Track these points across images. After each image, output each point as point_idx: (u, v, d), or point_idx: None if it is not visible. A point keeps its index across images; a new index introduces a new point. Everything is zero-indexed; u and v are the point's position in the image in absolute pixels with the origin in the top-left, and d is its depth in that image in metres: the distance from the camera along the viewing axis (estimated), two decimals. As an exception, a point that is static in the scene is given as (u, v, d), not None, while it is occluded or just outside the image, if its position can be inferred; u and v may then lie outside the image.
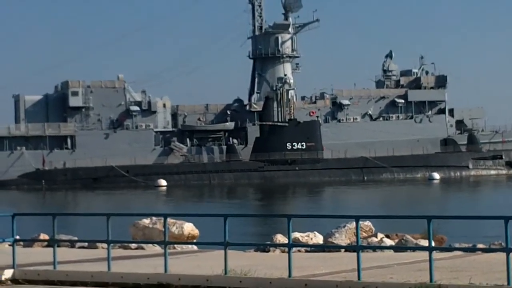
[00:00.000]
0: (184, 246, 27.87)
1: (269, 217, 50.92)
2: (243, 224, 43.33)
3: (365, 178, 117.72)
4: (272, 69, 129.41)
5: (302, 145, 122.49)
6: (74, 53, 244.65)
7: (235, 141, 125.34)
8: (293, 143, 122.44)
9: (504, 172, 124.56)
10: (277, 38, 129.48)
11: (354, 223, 24.54)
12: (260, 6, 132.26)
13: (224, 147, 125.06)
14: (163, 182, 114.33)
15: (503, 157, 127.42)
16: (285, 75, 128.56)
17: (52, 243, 24.66)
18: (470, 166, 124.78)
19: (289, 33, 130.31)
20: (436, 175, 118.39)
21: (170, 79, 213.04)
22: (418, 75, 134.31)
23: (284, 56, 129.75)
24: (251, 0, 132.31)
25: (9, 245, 24.58)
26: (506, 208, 58.18)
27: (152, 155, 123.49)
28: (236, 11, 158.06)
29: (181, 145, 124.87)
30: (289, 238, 22.12)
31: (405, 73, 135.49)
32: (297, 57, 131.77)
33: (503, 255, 19.18)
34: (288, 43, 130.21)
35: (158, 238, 26.87)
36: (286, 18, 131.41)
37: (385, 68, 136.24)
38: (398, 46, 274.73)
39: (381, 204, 73.71)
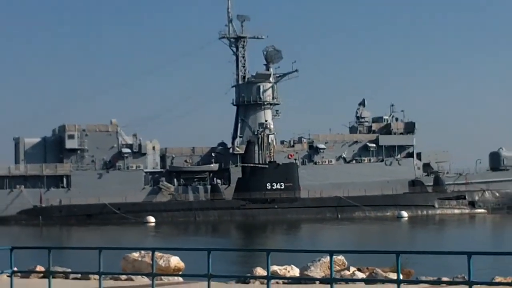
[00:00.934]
0: (171, 278, 27.87)
1: (249, 251, 50.89)
2: (226, 258, 43.30)
3: (339, 216, 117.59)
4: (254, 115, 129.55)
5: (280, 185, 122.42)
6: (70, 97, 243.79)
7: (219, 181, 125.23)
8: (273, 184, 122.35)
9: (467, 211, 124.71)
10: (259, 86, 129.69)
11: (328, 257, 24.60)
12: (243, 57, 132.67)
13: (209, 186, 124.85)
14: (151, 219, 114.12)
15: (466, 197, 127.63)
16: (266, 121, 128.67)
17: (47, 274, 24.67)
18: (436, 206, 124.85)
19: (270, 82, 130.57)
20: (405, 214, 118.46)
21: (159, 124, 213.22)
22: (389, 122, 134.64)
23: (265, 103, 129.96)
24: (235, 52, 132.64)
25: (8, 276, 24.59)
26: (469, 244, 58.40)
27: (141, 193, 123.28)
28: (221, 62, 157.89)
29: (169, 185, 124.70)
30: (268, 271, 22.20)
31: (377, 119, 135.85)
32: (277, 104, 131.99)
33: (466, 287, 19.29)
34: (269, 91, 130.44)
35: (146, 270, 26.88)
36: (268, 69, 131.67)
37: (358, 115, 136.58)
38: (370, 93, 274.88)
39: (354, 240, 73.74)
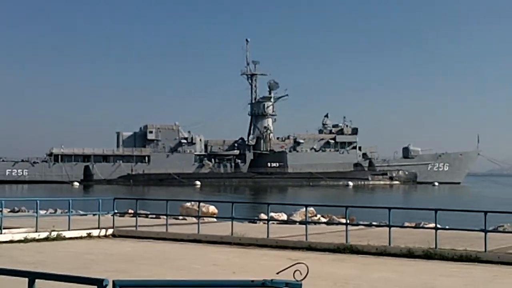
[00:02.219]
0: (209, 219, 27.84)
1: (257, 204, 50.66)
2: (242, 207, 43.32)
3: (311, 184, 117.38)
4: (261, 121, 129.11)
5: (276, 164, 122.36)
6: (151, 106, 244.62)
7: (239, 161, 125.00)
8: (272, 163, 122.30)
9: (388, 182, 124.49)
10: (264, 104, 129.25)
11: (304, 209, 24.52)
12: (255, 86, 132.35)
13: (233, 164, 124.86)
14: (198, 183, 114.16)
15: (388, 174, 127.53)
16: (268, 125, 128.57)
17: (135, 215, 24.68)
18: (369, 179, 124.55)
19: (271, 101, 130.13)
20: (351, 183, 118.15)
21: (204, 125, 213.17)
22: (342, 127, 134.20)
23: (268, 114, 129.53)
24: (250, 83, 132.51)
25: (111, 215, 24.58)
26: (389, 202, 58.32)
27: (192, 167, 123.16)
28: (241, 89, 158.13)
29: (209, 162, 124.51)
30: (268, 216, 22.13)
31: (335, 125, 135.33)
32: (275, 115, 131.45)
33: (387, 228, 19.21)
34: (271, 107, 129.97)
35: (194, 213, 26.86)
36: (270, 93, 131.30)
37: (324, 122, 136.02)
38: (332, 109, 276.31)
39: (320, 198, 73.60)
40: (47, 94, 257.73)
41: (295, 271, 5.58)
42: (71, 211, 23.81)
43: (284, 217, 29.40)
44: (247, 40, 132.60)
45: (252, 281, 5.52)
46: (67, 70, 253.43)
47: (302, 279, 5.55)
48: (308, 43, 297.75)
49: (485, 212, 17.98)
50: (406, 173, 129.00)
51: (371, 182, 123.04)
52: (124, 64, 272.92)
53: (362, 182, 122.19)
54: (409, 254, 17.73)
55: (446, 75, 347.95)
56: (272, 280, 5.40)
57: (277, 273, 5.81)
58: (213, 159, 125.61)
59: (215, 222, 27.48)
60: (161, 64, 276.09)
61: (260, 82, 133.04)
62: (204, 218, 27.08)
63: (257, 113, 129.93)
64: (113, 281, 5.14)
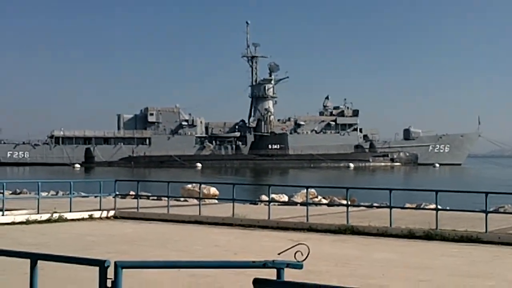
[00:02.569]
0: (210, 200, 27.86)
1: (258, 185, 50.69)
2: (244, 189, 43.34)
3: (312, 165, 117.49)
4: (261, 103, 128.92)
5: (277, 146, 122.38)
6: (151, 88, 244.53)
7: (240, 143, 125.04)
8: (272, 145, 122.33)
9: (389, 164, 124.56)
10: (264, 86, 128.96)
11: (305, 190, 24.53)
12: (256, 68, 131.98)
13: (234, 146, 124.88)
14: (199, 165, 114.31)
15: (388, 155, 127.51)
16: (269, 107, 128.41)
17: (136, 196, 24.72)
18: (370, 160, 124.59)
19: (271, 84, 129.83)
20: (351, 165, 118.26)
21: (205, 107, 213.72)
22: (343, 109, 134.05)
23: (268, 96, 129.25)
24: (251, 65, 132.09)
25: (113, 197, 24.61)
26: (390, 183, 58.35)
27: (193, 149, 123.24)
28: (242, 71, 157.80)
29: (210, 144, 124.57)
30: (269, 197, 22.16)
31: (336, 107, 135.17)
32: (276, 97, 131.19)
33: (387, 210, 19.25)
34: (271, 89, 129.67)
35: (196, 195, 26.88)
36: (270, 75, 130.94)
37: (324, 104, 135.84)
38: (333, 92, 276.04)
39: (320, 179, 73.69)
40: (48, 77, 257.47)
41: (296, 252, 5.58)
42: (73, 193, 23.84)
43: (285, 198, 29.44)
44: (247, 23, 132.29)
45: (253, 262, 5.52)
46: (67, 54, 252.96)
47: (303, 260, 5.56)
48: (309, 26, 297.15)
49: (486, 193, 18.00)
50: (407, 154, 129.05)
51: (372, 164, 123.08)
52: (126, 47, 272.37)
53: (363, 164, 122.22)
54: (410, 235, 17.78)
55: (447, 56, 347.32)
56: (273, 261, 5.40)
57: (279, 254, 5.81)
58: (214, 141, 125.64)
59: (217, 203, 27.49)
60: (162, 47, 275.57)
61: (261, 65, 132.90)
62: (206, 199, 27.09)
63: (258, 95, 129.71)
64: (115, 262, 5.14)
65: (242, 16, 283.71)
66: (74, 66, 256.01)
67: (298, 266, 5.48)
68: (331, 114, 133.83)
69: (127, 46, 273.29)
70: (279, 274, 5.36)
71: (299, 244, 5.72)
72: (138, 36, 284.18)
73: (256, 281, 4.70)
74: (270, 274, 5.20)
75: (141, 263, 5.71)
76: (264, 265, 5.36)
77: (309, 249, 5.58)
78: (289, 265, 5.42)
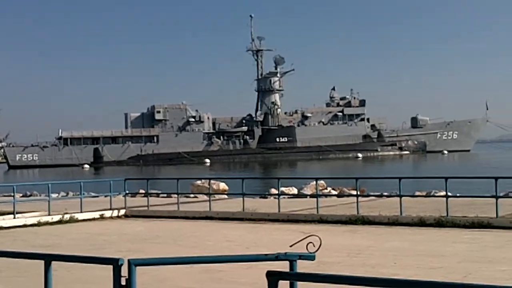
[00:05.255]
0: (220, 196, 27.92)
1: (267, 179, 50.65)
2: (253, 183, 43.40)
3: (320, 157, 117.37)
4: (268, 97, 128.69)
5: (285, 139, 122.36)
6: (158, 87, 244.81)
7: (248, 137, 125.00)
8: (280, 138, 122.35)
9: (397, 153, 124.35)
10: (270, 80, 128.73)
11: (314, 182, 24.55)
12: (261, 61, 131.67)
13: (242, 140, 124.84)
14: (207, 161, 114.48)
15: (397, 144, 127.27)
16: (275, 100, 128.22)
17: (146, 194, 24.81)
18: (379, 150, 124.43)
19: (277, 76, 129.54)
20: (360, 155, 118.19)
21: (211, 103, 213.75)
22: (350, 99, 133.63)
23: (275, 90, 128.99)
24: (256, 59, 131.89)
25: (123, 196, 24.69)
26: (399, 172, 58.26)
27: (201, 145, 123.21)
28: (249, 65, 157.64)
29: (218, 140, 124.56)
30: (278, 191, 22.19)
31: (342, 98, 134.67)
32: (282, 90, 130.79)
33: (397, 199, 19.24)
34: (277, 82, 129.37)
35: (205, 191, 26.92)
36: (276, 68, 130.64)
37: (331, 95, 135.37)
38: (339, 83, 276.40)
39: (329, 171, 73.61)
40: (54, 78, 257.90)
41: (308, 244, 5.61)
42: (83, 194, 23.93)
43: (294, 191, 29.46)
44: (251, 16, 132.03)
45: (266, 255, 5.56)
46: (73, 55, 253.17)
47: (315, 251, 5.59)
48: (313, 17, 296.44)
49: (496, 178, 17.98)
50: (415, 142, 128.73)
51: (380, 153, 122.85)
52: (130, 46, 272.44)
53: (372, 154, 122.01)
54: (421, 223, 17.78)
55: (453, 42, 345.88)
56: (286, 253, 5.43)
57: (290, 246, 5.84)
58: (221, 137, 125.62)
59: (226, 198, 27.55)
60: (166, 44, 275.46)
61: (266, 58, 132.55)
62: (215, 195, 27.16)
63: (264, 89, 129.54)
64: (128, 260, 5.19)
65: (245, 10, 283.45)
66: (78, 67, 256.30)
67: (310, 257, 5.51)
68: (338, 105, 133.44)
69: (132, 44, 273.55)
70: (292, 266, 5.40)
71: (310, 235, 5.75)
72: (142, 34, 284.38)
73: (269, 274, 4.72)
74: (283, 266, 5.23)
75: (154, 260, 5.75)
76: (277, 257, 5.40)
77: (321, 240, 5.61)
78: (302, 256, 5.46)
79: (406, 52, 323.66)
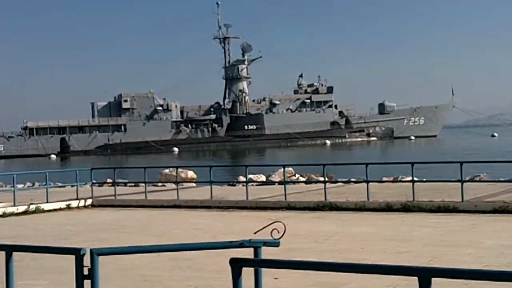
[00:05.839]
0: (188, 184, 27.83)
1: (235, 166, 50.52)
2: (222, 171, 43.31)
3: (289, 144, 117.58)
4: (236, 85, 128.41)
5: (253, 127, 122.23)
6: (125, 75, 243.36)
7: (216, 125, 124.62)
8: (249, 126, 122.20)
9: (365, 139, 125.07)
10: (238, 67, 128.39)
11: (282, 169, 24.57)
12: (228, 49, 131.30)
13: (210, 129, 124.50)
14: (176, 149, 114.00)
15: (364, 130, 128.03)
16: (243, 88, 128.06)
17: (114, 183, 24.62)
18: (346, 136, 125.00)
19: (245, 64, 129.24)
20: (328, 141, 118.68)
21: (179, 91, 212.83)
22: (317, 86, 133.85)
23: (242, 77, 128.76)
24: (223, 46, 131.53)
25: (90, 185, 24.45)
26: (367, 158, 58.63)
27: (169, 134, 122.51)
28: (215, 52, 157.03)
29: (186, 128, 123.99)
30: (246, 178, 22.17)
31: (310, 85, 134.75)
32: (250, 78, 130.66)
33: (365, 184, 19.35)
34: (245, 70, 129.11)
35: (173, 179, 26.76)
36: (243, 55, 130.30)
37: (299, 82, 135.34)
38: (307, 69, 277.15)
39: (298, 157, 73.74)
40: (18, 66, 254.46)
41: (272, 230, 5.59)
42: (49, 184, 23.66)
43: (263, 178, 29.44)
44: (217, 4, 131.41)
45: (230, 242, 5.53)
46: (39, 42, 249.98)
47: (280, 238, 5.57)
48: (280, 5, 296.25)
49: (461, 163, 18.17)
50: (383, 128, 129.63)
51: (348, 140, 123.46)
52: (96, 33, 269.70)
53: (340, 140, 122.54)
54: (388, 208, 17.91)
55: (419, 29, 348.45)
56: (250, 240, 5.41)
57: (255, 233, 5.82)
58: (189, 125, 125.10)
59: (195, 187, 27.46)
60: (133, 32, 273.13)
61: (233, 46, 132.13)
62: (184, 183, 27.04)
63: (232, 77, 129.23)
64: (91, 250, 5.12)
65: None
66: (43, 54, 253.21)
67: (275, 244, 5.49)
68: (306, 92, 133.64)
69: (98, 31, 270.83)
70: (256, 253, 5.38)
71: (275, 222, 5.73)
72: (108, 21, 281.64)
73: (232, 261, 4.70)
74: (250, 253, 5.22)
75: (117, 249, 5.69)
76: (241, 244, 5.37)
77: (285, 226, 5.59)
78: (266, 243, 5.44)
79: (374, 39, 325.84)
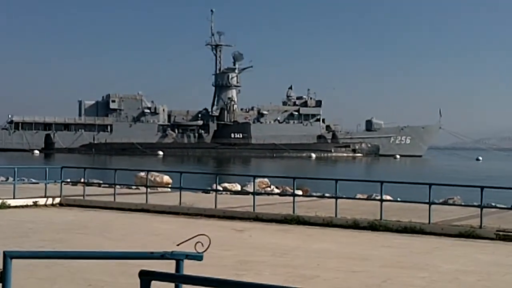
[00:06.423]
0: (164, 188, 27.57)
1: (207, 174, 49.54)
2: (201, 178, 42.98)
3: (274, 155, 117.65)
4: (225, 92, 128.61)
5: (240, 135, 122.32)
6: (114, 76, 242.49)
7: (203, 131, 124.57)
8: (235, 134, 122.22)
9: (350, 154, 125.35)
10: (228, 75, 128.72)
11: (260, 179, 24.46)
12: (220, 57, 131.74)
13: (197, 134, 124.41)
14: (161, 153, 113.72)
15: (350, 146, 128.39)
16: (232, 96, 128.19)
17: (85, 184, 24.38)
18: (332, 151, 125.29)
19: (235, 72, 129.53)
20: (313, 155, 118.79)
21: (167, 95, 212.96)
22: (306, 99, 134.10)
23: (232, 85, 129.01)
24: (215, 54, 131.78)
25: (60, 184, 24.18)
26: (343, 174, 58.58)
27: (155, 137, 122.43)
28: (207, 59, 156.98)
29: (172, 133, 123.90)
30: (216, 186, 22.00)
31: (299, 97, 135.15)
32: (239, 86, 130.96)
33: (333, 200, 19.19)
34: (235, 78, 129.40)
35: (149, 183, 26.48)
36: (234, 64, 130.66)
37: (288, 94, 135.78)
38: (297, 82, 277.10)
39: (282, 169, 73.61)
40: (7, 60, 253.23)
41: (196, 243, 5.41)
42: (21, 179, 23.36)
43: (238, 187, 29.24)
44: (212, 11, 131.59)
45: (152, 252, 5.34)
46: (29, 37, 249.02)
47: (203, 251, 5.40)
48: (274, 15, 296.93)
49: (430, 185, 18.10)
50: (369, 145, 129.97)
51: (334, 154, 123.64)
52: (88, 31, 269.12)
53: (325, 154, 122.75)
54: (355, 225, 17.76)
55: (411, 50, 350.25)
56: (172, 252, 5.23)
57: (178, 245, 5.64)
58: (176, 129, 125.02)
59: (169, 192, 27.20)
60: (125, 33, 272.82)
61: (225, 53, 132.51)
62: (158, 188, 26.82)
63: (221, 84, 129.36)
64: (4, 252, 4.91)
65: (207, 3, 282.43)
66: (34, 49, 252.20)
67: (198, 257, 5.31)
68: (294, 104, 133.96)
69: (90, 30, 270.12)
70: (178, 266, 5.19)
71: (200, 234, 5.55)
72: (101, 20, 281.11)
73: (142, 273, 4.51)
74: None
75: (30, 253, 5.48)
76: (162, 256, 5.19)
77: (210, 239, 5.41)
78: (189, 256, 5.25)
79: (364, 57, 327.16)
